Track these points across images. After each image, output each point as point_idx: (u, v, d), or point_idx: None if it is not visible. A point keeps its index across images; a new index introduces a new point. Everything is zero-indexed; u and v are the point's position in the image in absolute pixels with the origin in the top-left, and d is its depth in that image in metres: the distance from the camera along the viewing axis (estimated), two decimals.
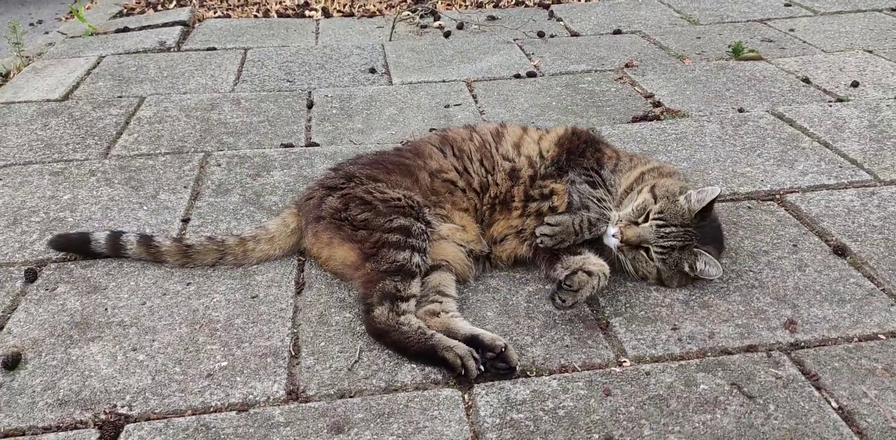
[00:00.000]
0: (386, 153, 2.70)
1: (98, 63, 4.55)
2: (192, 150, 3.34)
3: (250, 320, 2.21)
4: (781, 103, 3.71)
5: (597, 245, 2.34)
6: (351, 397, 1.92)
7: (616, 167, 2.50)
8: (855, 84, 3.88)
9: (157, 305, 2.28)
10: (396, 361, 2.04)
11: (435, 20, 5.45)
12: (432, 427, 1.81)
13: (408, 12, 5.62)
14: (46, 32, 5.97)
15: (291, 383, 1.97)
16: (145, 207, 2.83)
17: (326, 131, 3.55)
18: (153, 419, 1.86)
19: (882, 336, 2.10)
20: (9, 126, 3.60)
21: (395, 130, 3.53)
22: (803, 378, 1.95)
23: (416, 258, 2.20)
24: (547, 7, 5.69)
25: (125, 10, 6.05)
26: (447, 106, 3.81)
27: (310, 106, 3.85)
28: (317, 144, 3.39)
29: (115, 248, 2.46)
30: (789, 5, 5.47)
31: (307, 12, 5.83)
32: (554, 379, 1.96)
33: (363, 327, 2.15)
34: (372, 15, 5.75)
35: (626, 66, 4.32)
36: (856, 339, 2.10)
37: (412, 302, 2.16)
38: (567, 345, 2.09)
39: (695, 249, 2.23)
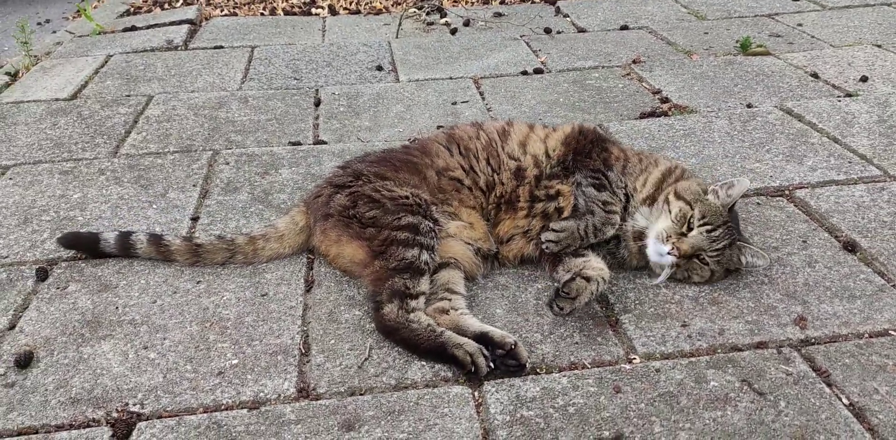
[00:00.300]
0: (394, 151, 2.70)
1: (106, 62, 4.56)
2: (201, 148, 3.35)
3: (260, 318, 2.21)
4: (790, 99, 3.69)
5: (607, 246, 2.35)
6: (361, 395, 1.93)
7: (625, 169, 2.46)
8: (864, 79, 3.86)
9: (167, 304, 2.29)
10: (406, 359, 2.04)
11: (441, 17, 5.44)
12: (442, 424, 1.81)
13: (414, 9, 5.62)
14: (54, 31, 6.00)
15: (302, 381, 1.98)
16: (154, 206, 2.84)
17: (334, 129, 3.55)
18: (165, 417, 1.87)
19: (893, 332, 2.09)
20: (18, 125, 3.62)
21: (402, 128, 3.53)
22: (814, 374, 1.94)
23: (425, 255, 2.21)
24: (553, 3, 5.67)
25: (132, 9, 6.07)
26: (454, 103, 3.81)
27: (317, 104, 3.85)
28: (325, 142, 3.40)
29: (125, 248, 2.47)
30: (797, 0, 5.44)
31: (314, 10, 5.83)
32: (564, 376, 1.96)
33: (373, 325, 2.15)
34: (378, 12, 5.75)
35: (634, 61, 4.31)
36: (866, 336, 2.09)
37: (421, 299, 2.16)
38: (577, 343, 2.09)
39: (738, 243, 2.25)
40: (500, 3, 5.85)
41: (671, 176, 2.42)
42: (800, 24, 4.87)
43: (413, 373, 2.00)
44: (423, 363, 2.02)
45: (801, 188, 2.86)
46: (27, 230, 2.69)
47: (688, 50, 4.48)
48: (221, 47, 4.85)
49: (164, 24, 5.34)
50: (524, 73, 4.22)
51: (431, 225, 2.28)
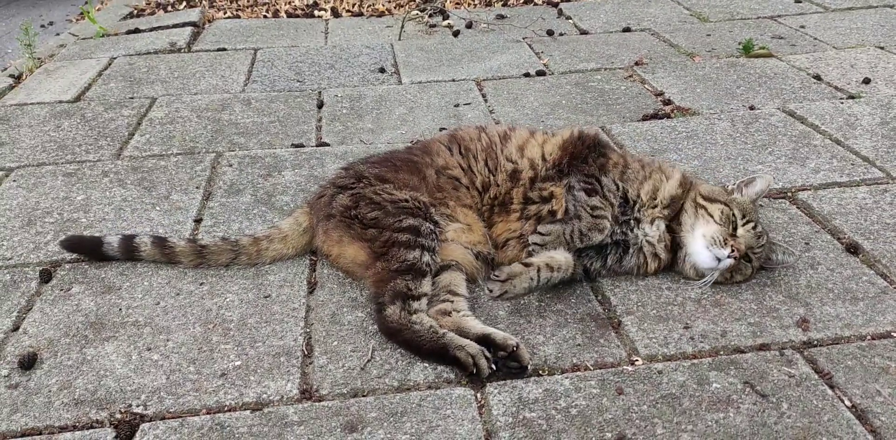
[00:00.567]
0: (397, 151, 2.72)
1: (109, 64, 4.58)
2: (204, 150, 3.36)
3: (263, 320, 2.22)
4: (792, 101, 3.69)
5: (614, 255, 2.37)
6: (364, 396, 1.93)
7: (624, 175, 2.43)
8: (867, 81, 3.86)
9: (170, 305, 2.29)
10: (409, 360, 2.05)
11: (444, 19, 5.45)
12: (445, 426, 1.82)
13: (417, 11, 5.63)
14: (57, 34, 6.01)
15: (305, 382, 1.98)
16: (158, 208, 2.85)
17: (337, 131, 3.56)
18: (168, 418, 1.88)
19: (895, 334, 2.09)
20: (22, 127, 3.63)
21: (404, 130, 3.54)
22: (816, 376, 1.94)
23: (426, 257, 2.21)
24: (556, 5, 5.68)
25: (135, 12, 6.09)
26: (457, 105, 3.81)
27: (320, 106, 3.86)
28: (327, 144, 3.40)
29: (128, 251, 2.47)
30: (800, 1, 5.44)
31: (316, 12, 5.85)
32: (566, 378, 1.96)
33: (375, 326, 2.15)
34: (381, 14, 5.76)
35: (636, 63, 4.32)
36: (869, 338, 2.09)
37: (424, 301, 2.17)
38: (579, 344, 2.10)
39: (769, 241, 2.30)
40: (503, 5, 5.86)
41: (686, 183, 2.43)
42: (802, 26, 4.87)
43: (416, 374, 2.00)
44: (426, 365, 2.03)
45: (803, 190, 2.86)
46: (31, 232, 2.70)
47: (690, 52, 4.48)
48: (224, 49, 4.87)
49: (168, 27, 5.36)
50: (527, 75, 4.23)
51: (432, 227, 2.29)
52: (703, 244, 2.26)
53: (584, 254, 2.34)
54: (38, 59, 4.79)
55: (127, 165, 3.21)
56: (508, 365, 1.97)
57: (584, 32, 5.04)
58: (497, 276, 2.20)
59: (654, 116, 3.59)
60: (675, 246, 2.36)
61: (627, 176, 2.43)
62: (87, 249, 2.51)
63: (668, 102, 3.75)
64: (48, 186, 3.03)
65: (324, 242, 2.42)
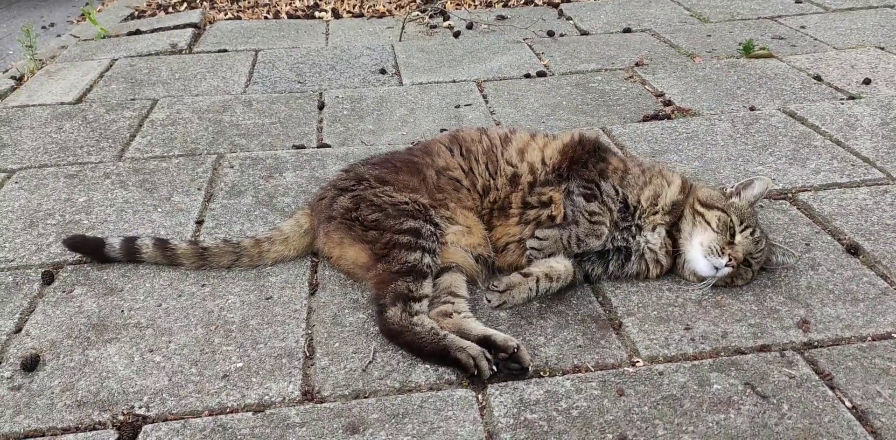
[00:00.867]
0: (397, 152, 2.73)
1: (111, 66, 4.58)
2: (205, 151, 3.36)
3: (265, 321, 2.22)
4: (793, 101, 3.70)
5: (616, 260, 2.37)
6: (366, 398, 1.94)
7: (623, 181, 2.41)
8: (867, 81, 3.87)
9: (172, 307, 2.30)
10: (410, 362, 2.05)
11: (444, 20, 5.46)
12: (447, 427, 1.82)
13: (417, 12, 5.63)
14: (59, 35, 6.02)
15: (306, 384, 1.99)
16: (159, 209, 2.86)
17: (338, 132, 3.56)
18: (170, 420, 1.88)
19: (895, 335, 2.10)
20: (24, 129, 3.64)
21: (405, 131, 3.54)
22: (817, 377, 1.95)
23: (427, 259, 2.22)
24: (556, 6, 5.69)
25: (136, 13, 6.10)
26: (458, 106, 3.82)
27: (321, 107, 3.87)
28: (328, 146, 3.41)
29: (130, 253, 2.47)
30: (800, 2, 5.45)
31: (317, 13, 5.85)
32: (567, 379, 1.97)
33: (377, 328, 2.16)
34: (381, 15, 5.76)
35: (637, 64, 4.32)
36: (869, 339, 2.09)
37: (425, 302, 2.17)
38: (580, 346, 2.10)
39: (769, 243, 2.30)
40: (503, 6, 5.86)
41: (685, 188, 2.42)
42: (803, 27, 4.87)
43: (417, 376, 2.00)
44: (427, 366, 2.03)
45: (804, 191, 2.86)
46: (33, 234, 2.71)
47: (691, 52, 4.49)
48: (225, 51, 4.87)
49: (169, 28, 5.36)
50: (527, 76, 4.23)
51: (433, 229, 2.29)
52: (700, 253, 2.26)
53: (586, 260, 2.34)
54: (40, 60, 4.80)
55: (128, 167, 3.21)
56: (509, 366, 1.98)
57: (584, 33, 5.05)
58: (496, 287, 2.19)
59: (655, 117, 3.59)
60: (675, 251, 2.36)
61: (627, 181, 2.41)
62: (90, 249, 2.52)
63: (668, 103, 3.76)
64: (50, 188, 3.04)
65: (325, 244, 2.42)
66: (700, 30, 4.94)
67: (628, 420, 1.83)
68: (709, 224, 2.28)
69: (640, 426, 1.81)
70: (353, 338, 2.16)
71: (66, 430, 1.87)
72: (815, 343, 2.08)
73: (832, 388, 1.91)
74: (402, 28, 5.30)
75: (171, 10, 6.07)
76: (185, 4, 6.15)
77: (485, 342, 2.02)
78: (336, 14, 5.82)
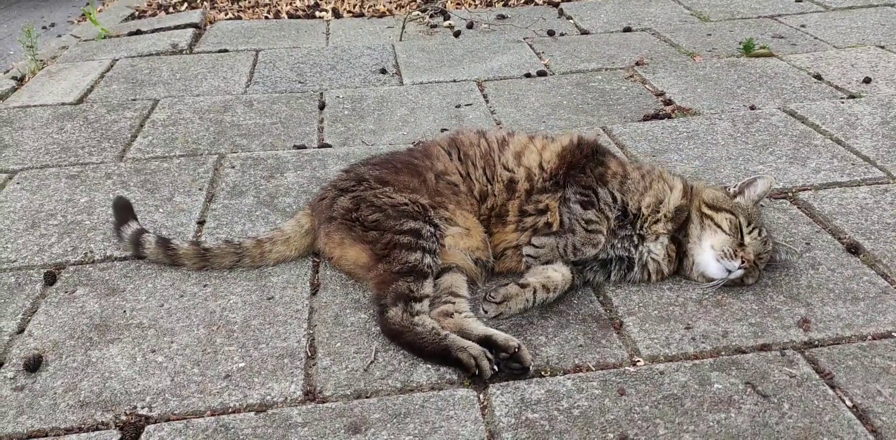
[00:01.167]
0: (398, 153, 2.73)
1: (111, 66, 4.59)
2: (207, 152, 3.37)
3: (266, 321, 2.23)
4: (793, 100, 3.70)
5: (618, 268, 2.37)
6: (367, 397, 1.94)
7: (623, 186, 2.37)
8: (867, 80, 3.87)
9: (174, 307, 2.31)
10: (412, 362, 2.06)
11: (445, 20, 5.46)
12: (448, 427, 1.83)
13: (418, 12, 5.64)
14: (59, 35, 6.03)
15: (308, 384, 1.99)
16: (161, 210, 2.86)
17: (339, 132, 3.57)
18: (173, 420, 1.89)
19: None
20: (25, 130, 3.65)
21: (406, 131, 3.55)
22: (817, 376, 1.95)
23: (428, 259, 2.22)
24: (556, 5, 5.69)
25: (137, 13, 6.10)
26: (458, 106, 3.82)
27: (322, 107, 3.87)
28: (329, 146, 3.42)
29: (136, 245, 2.50)
30: (800, 1, 5.44)
31: (317, 13, 5.85)
32: (568, 378, 1.97)
33: (378, 328, 2.16)
34: (382, 15, 5.76)
35: (637, 63, 4.32)
36: (870, 338, 2.10)
37: (426, 302, 2.17)
38: (581, 345, 2.10)
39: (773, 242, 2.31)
40: (504, 5, 5.86)
41: (689, 191, 2.42)
42: (803, 26, 4.87)
43: (418, 375, 2.01)
44: (429, 366, 2.04)
45: (804, 190, 2.86)
46: (35, 234, 2.71)
47: (691, 52, 4.49)
48: (226, 51, 4.88)
49: (169, 28, 5.36)
50: (528, 75, 4.24)
51: (433, 230, 2.29)
52: (712, 256, 2.26)
53: (588, 269, 2.33)
54: (41, 60, 4.80)
55: (130, 167, 3.22)
56: (510, 366, 1.98)
57: (584, 32, 5.05)
58: (493, 298, 2.14)
59: (655, 116, 3.59)
60: (679, 254, 2.36)
61: (627, 186, 2.38)
62: (120, 218, 2.60)
63: (668, 102, 3.76)
64: (52, 189, 3.04)
65: (326, 244, 2.43)
66: (700, 29, 4.94)
67: (629, 419, 1.83)
68: (719, 227, 2.29)
69: (641, 425, 1.81)
70: (354, 338, 2.16)
71: (68, 431, 1.87)
72: (816, 342, 2.09)
73: (833, 387, 1.92)
74: (403, 28, 5.31)
75: (171, 10, 6.07)
76: (186, 4, 6.15)
77: (486, 342, 2.03)
78: (336, 14, 5.82)
